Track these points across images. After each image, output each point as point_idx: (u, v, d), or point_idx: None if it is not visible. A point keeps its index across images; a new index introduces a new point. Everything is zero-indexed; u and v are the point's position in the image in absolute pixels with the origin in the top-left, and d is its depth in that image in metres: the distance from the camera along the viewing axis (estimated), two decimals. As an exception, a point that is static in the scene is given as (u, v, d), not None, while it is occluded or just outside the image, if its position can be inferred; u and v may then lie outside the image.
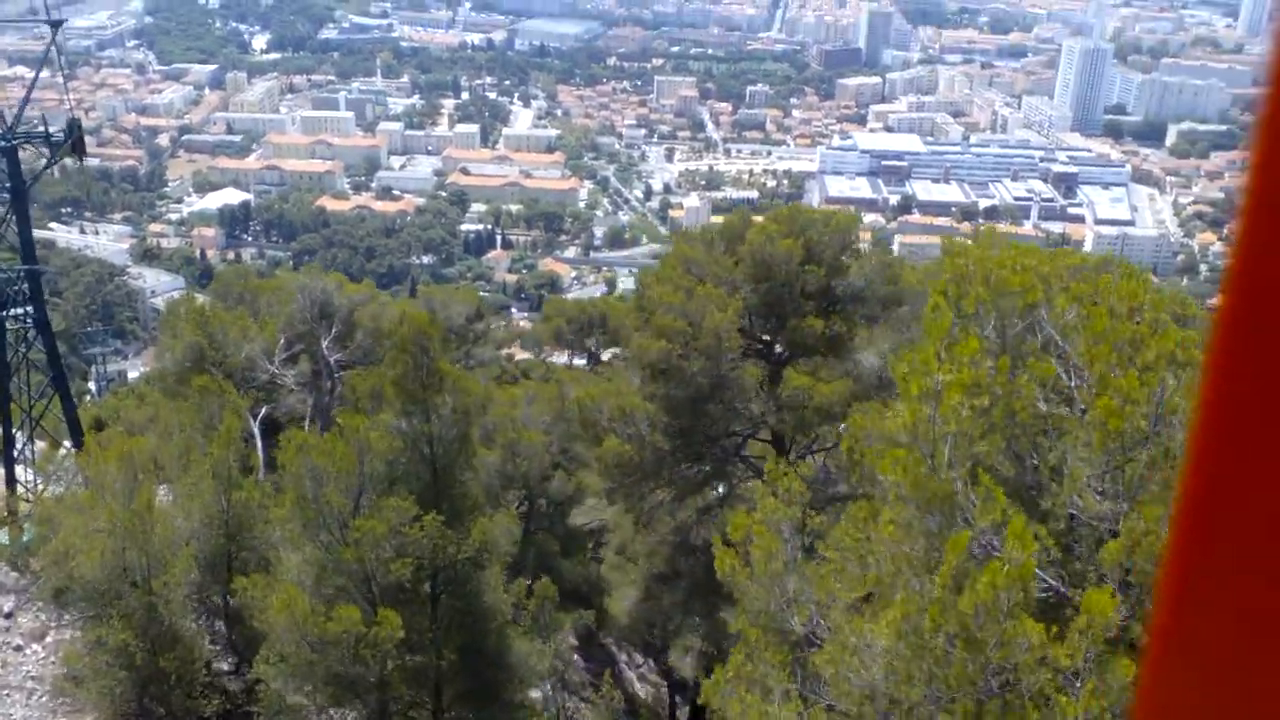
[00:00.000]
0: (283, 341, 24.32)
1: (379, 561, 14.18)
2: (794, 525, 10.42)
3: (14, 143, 26.10)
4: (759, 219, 21.02)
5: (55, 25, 27.70)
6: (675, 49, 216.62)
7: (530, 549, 21.33)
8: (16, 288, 26.07)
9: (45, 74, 30.60)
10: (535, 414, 24.26)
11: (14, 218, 25.99)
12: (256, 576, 15.30)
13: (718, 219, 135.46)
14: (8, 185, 26.03)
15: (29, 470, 27.10)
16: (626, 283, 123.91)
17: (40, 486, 25.48)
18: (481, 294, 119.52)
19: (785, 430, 18.87)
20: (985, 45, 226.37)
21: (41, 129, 27.03)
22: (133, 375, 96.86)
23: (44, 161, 27.80)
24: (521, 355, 43.31)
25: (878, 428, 16.96)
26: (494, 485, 20.36)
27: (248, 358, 23.43)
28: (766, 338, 19.59)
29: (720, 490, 20.56)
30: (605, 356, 36.61)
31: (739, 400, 18.52)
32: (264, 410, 22.92)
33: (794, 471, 11.29)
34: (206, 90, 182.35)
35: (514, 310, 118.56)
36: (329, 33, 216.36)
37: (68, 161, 30.80)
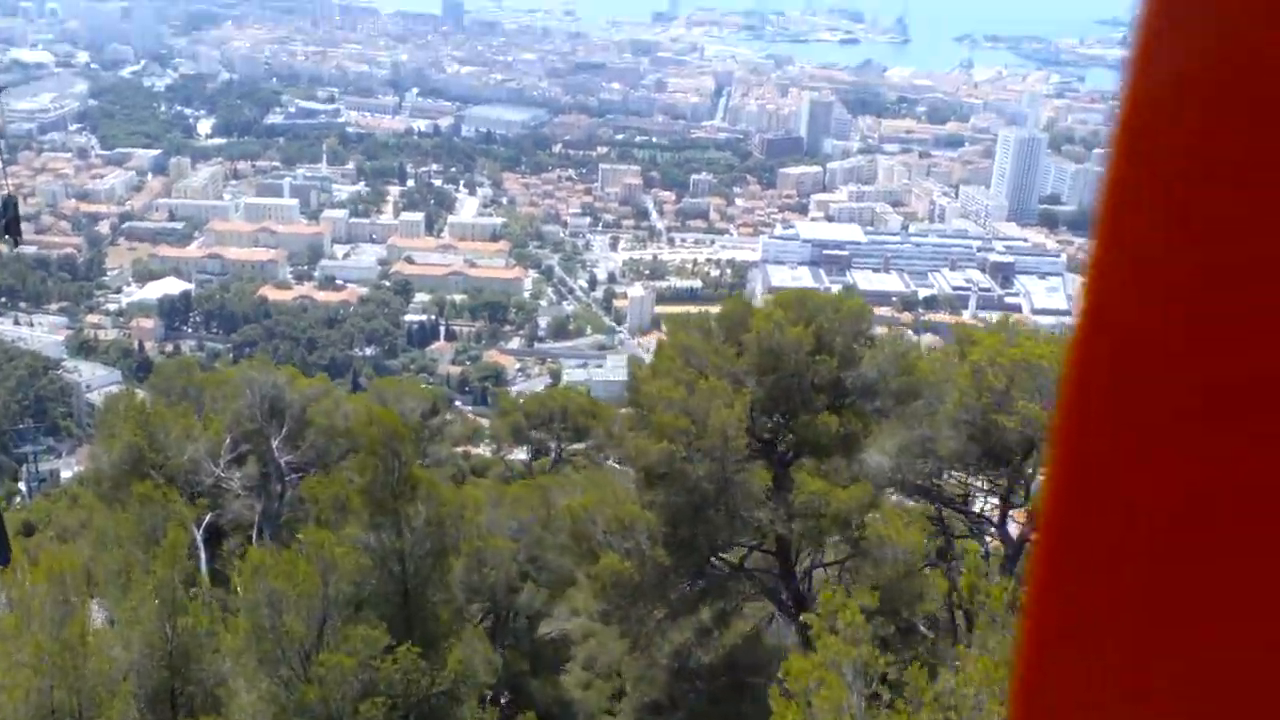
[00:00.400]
0: (228, 441, 22.84)
1: (345, 700, 12.79)
2: (857, 667, 9.30)
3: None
4: (761, 304, 20.19)
5: None
6: (620, 136, 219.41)
7: (498, 668, 19.75)
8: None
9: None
10: (501, 518, 22.84)
11: None
12: (206, 718, 13.80)
13: (662, 309, 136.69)
14: None
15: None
16: (572, 374, 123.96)
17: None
18: (423, 386, 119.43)
19: (794, 540, 17.53)
20: (923, 135, 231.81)
21: None
22: (66, 474, 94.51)
23: None
24: (476, 451, 42.45)
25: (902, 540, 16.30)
26: (459, 598, 18.73)
27: (191, 459, 22.01)
28: (769, 435, 18.20)
29: (722, 608, 18.92)
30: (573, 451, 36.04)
31: (744, 507, 16.82)
32: (208, 517, 21.43)
33: (853, 602, 10.22)
34: (149, 175, 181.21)
35: (458, 403, 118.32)
36: (275, 117, 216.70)
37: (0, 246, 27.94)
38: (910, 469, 17.99)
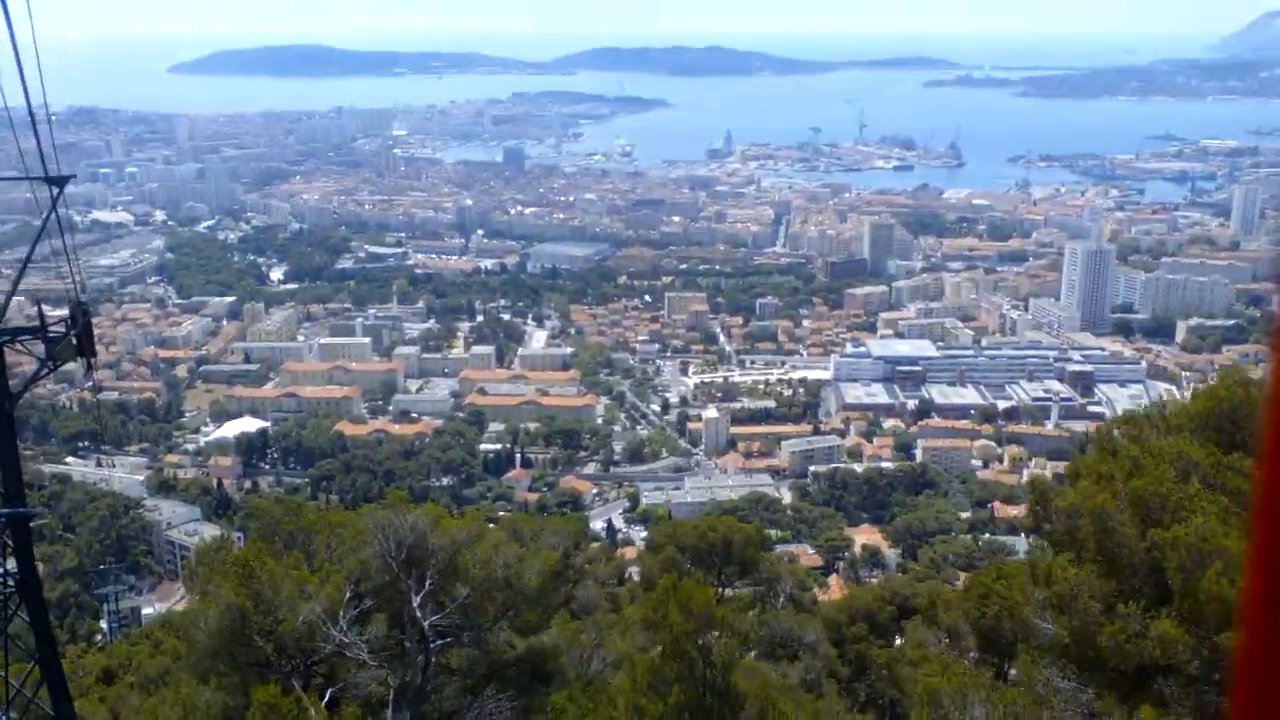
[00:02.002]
0: (349, 595, 18.87)
1: None
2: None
3: (-2, 341, 17.93)
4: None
5: (58, 183, 19.13)
6: (684, 266, 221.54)
7: None
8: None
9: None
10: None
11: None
12: None
13: (737, 430, 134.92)
14: None
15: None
16: (650, 497, 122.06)
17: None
18: (501, 513, 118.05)
19: None
20: (986, 251, 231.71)
21: (35, 321, 19.19)
22: (147, 611, 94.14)
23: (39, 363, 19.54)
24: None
25: None
26: None
27: (306, 621, 18.20)
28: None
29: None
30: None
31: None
32: (329, 693, 18.30)
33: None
34: (224, 321, 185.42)
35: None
36: (345, 262, 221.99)
37: (76, 368, 21.48)
38: None
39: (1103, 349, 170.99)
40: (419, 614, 18.29)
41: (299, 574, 19.00)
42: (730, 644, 10.88)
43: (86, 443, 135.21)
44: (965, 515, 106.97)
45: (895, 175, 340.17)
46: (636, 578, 37.47)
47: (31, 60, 16.45)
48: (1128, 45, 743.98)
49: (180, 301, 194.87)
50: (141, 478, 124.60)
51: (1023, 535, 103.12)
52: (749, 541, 29.97)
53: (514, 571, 18.74)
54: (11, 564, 17.89)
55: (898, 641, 29.13)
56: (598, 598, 29.75)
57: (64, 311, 19.64)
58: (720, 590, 29.24)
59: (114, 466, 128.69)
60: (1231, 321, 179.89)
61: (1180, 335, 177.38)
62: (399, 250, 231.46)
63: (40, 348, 19.34)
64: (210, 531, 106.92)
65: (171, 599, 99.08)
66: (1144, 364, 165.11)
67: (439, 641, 18.52)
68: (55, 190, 18.65)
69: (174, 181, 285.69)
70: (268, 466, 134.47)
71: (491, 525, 29.54)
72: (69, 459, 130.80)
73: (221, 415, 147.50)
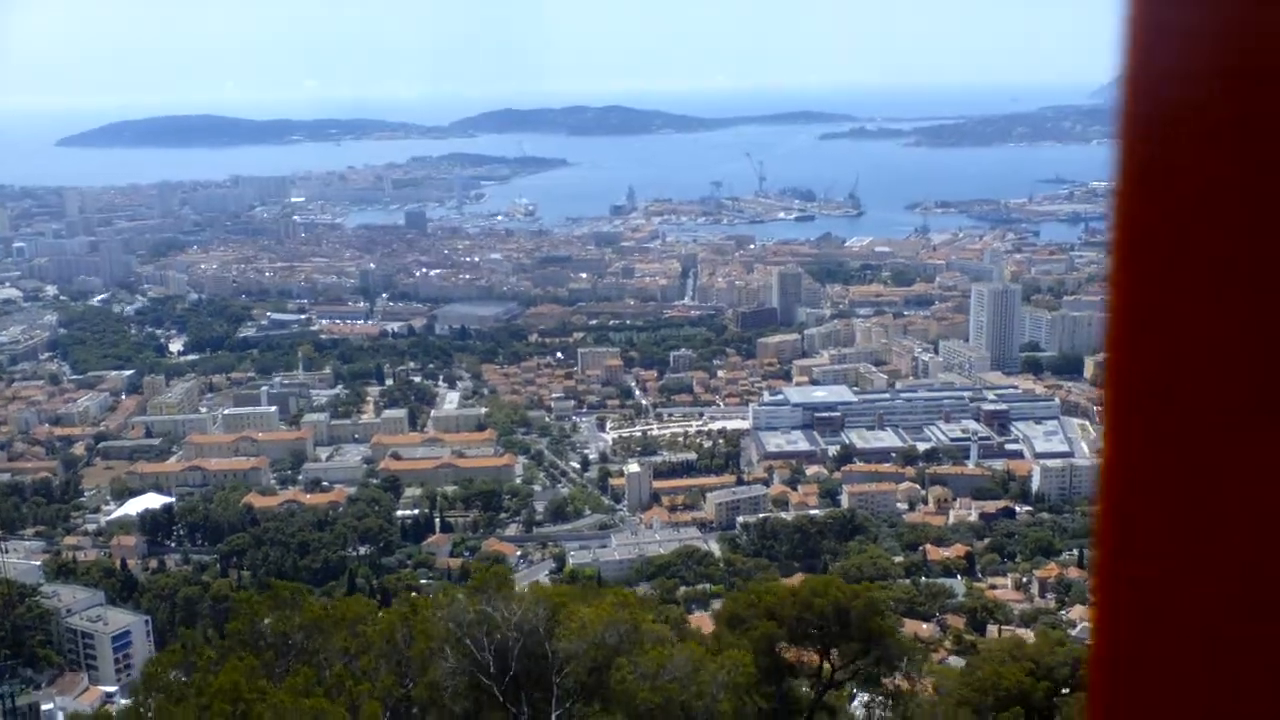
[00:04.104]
0: None
1: None
2: None
3: None
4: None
5: None
6: (594, 322, 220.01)
7: None
8: None
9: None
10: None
11: None
12: None
13: (660, 484, 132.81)
14: None
15: None
16: (577, 556, 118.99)
17: None
18: (424, 580, 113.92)
19: None
20: (892, 297, 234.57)
21: None
22: (47, 707, 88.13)
23: None
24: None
25: None
26: None
27: None
28: None
29: None
30: None
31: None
32: None
33: None
34: (123, 396, 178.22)
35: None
36: (247, 331, 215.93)
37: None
38: None
39: (1016, 387, 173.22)
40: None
41: (315, 704, 13.08)
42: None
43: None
44: (898, 559, 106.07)
45: (798, 226, 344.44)
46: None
47: None
48: (1013, 94, 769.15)
49: (75, 377, 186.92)
50: (38, 562, 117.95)
51: (958, 576, 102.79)
52: (873, 609, 24.05)
53: (695, 690, 11.65)
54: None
55: None
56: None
57: None
58: (832, 672, 24.13)
59: (6, 552, 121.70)
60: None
61: (1089, 370, 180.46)
62: (302, 316, 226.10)
63: None
64: (116, 616, 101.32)
65: (74, 691, 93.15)
66: (1057, 400, 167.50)
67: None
68: None
69: (65, 255, 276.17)
70: (174, 544, 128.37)
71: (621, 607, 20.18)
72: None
73: (123, 493, 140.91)
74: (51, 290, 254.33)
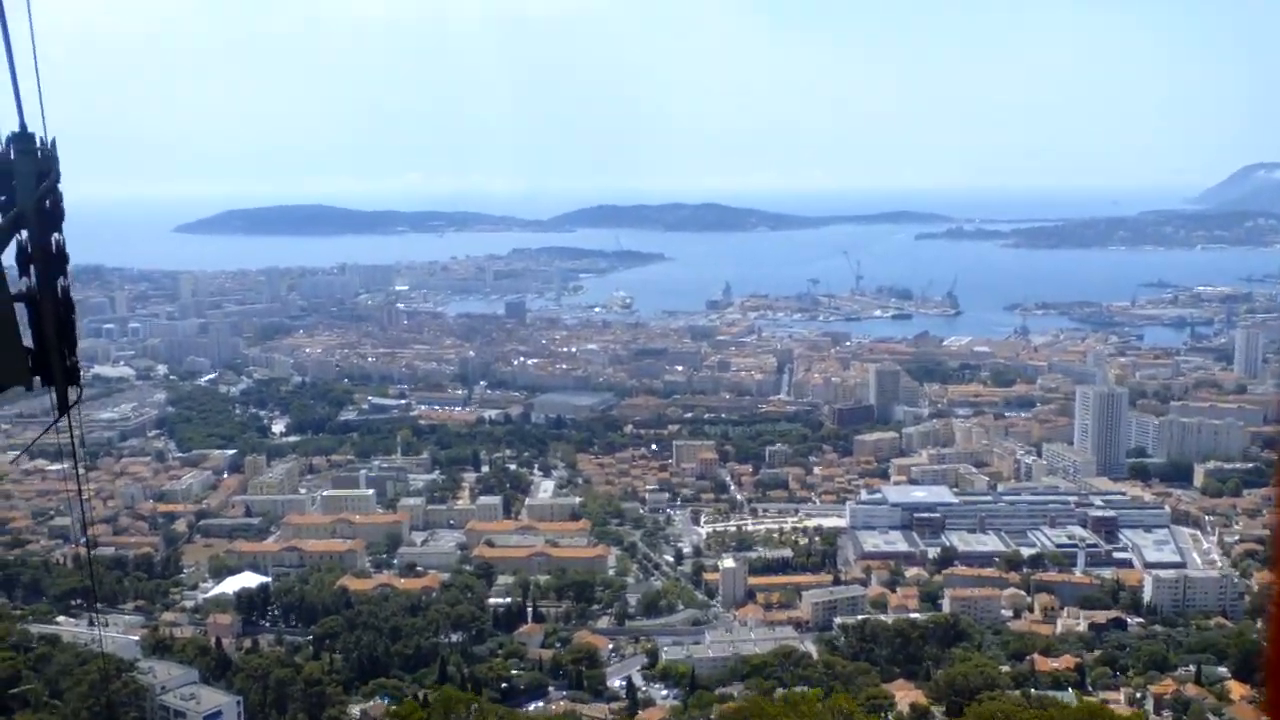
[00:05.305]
0: None
1: None
2: None
3: None
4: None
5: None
6: (689, 415, 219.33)
7: None
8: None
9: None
10: None
11: None
12: None
13: (755, 580, 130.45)
14: None
15: None
16: (670, 652, 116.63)
17: None
18: (514, 671, 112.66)
19: None
20: (991, 397, 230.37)
21: None
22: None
23: None
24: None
25: None
26: None
27: None
28: None
29: None
30: None
31: None
32: None
33: None
34: (225, 474, 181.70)
35: (551, 689, 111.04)
36: (348, 414, 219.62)
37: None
38: None
39: (1123, 494, 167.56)
40: None
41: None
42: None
43: (78, 600, 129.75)
44: (1005, 669, 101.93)
45: (894, 324, 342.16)
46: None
47: None
48: (1113, 197, 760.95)
49: (180, 455, 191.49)
50: (136, 637, 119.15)
51: (1069, 689, 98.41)
52: None
53: None
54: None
55: None
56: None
57: None
58: None
59: (106, 625, 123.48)
60: (1249, 464, 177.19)
61: (1199, 479, 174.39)
62: (402, 402, 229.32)
63: None
64: (209, 695, 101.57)
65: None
66: (1167, 508, 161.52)
67: None
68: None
69: (176, 336, 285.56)
70: (268, 624, 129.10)
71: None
72: (60, 618, 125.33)
73: (221, 570, 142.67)
74: (162, 369, 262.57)
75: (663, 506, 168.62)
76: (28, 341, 8.44)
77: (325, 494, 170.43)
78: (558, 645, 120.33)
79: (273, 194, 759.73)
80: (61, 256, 8.67)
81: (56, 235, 8.61)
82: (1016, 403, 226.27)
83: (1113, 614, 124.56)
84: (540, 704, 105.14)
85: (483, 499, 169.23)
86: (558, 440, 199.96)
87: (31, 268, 8.40)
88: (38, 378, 8.55)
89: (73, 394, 8.96)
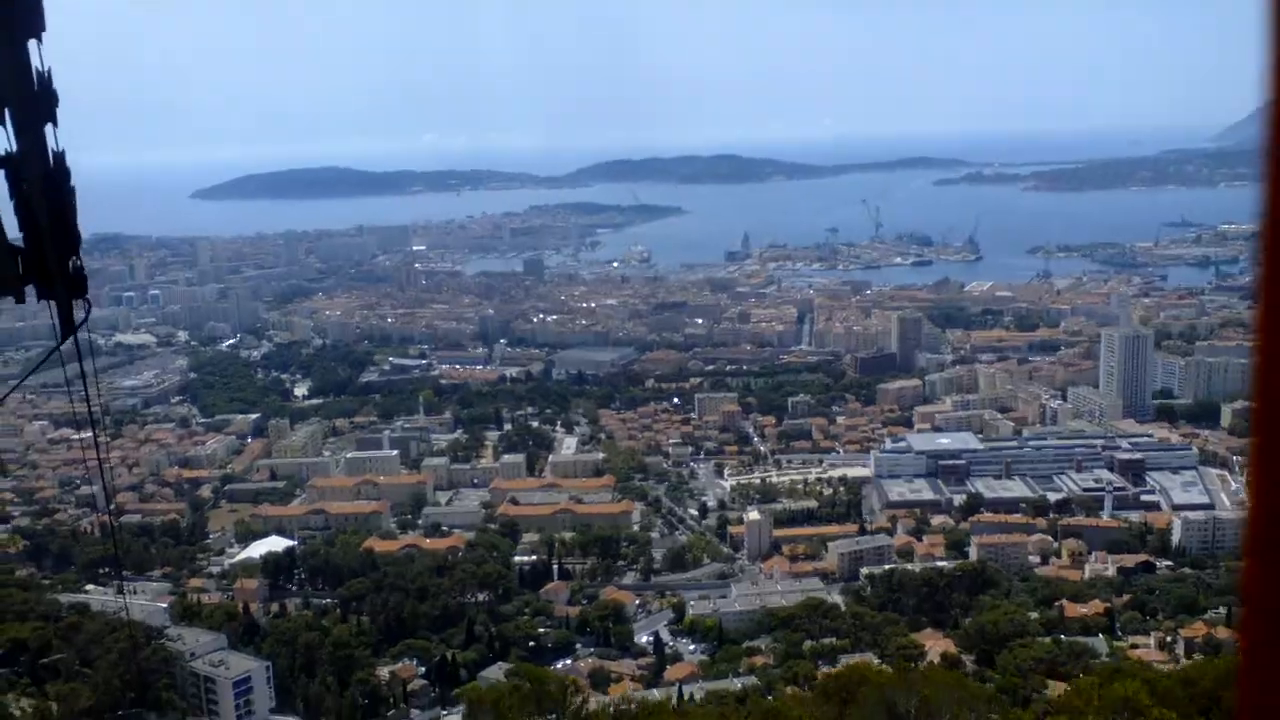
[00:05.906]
0: None
1: None
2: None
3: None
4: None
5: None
6: (710, 367, 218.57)
7: None
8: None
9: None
10: None
11: None
12: None
13: (780, 533, 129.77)
14: None
15: None
16: (696, 607, 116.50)
17: None
18: (541, 630, 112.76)
19: None
20: (1015, 342, 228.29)
21: None
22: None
23: None
24: None
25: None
26: None
27: None
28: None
29: None
30: None
31: None
32: None
33: None
34: (249, 439, 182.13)
35: (579, 646, 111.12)
36: (369, 375, 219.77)
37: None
38: None
39: (1150, 436, 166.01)
40: None
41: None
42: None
43: (106, 569, 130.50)
44: (1034, 615, 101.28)
45: (915, 271, 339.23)
46: None
47: None
48: (1133, 137, 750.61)
49: (204, 420, 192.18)
50: (165, 604, 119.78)
51: (1099, 635, 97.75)
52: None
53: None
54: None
55: None
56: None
57: None
58: None
59: (134, 593, 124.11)
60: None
61: (1226, 419, 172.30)
62: (423, 362, 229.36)
63: None
64: (238, 661, 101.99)
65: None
66: (1194, 449, 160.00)
67: None
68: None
69: (196, 302, 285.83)
70: (295, 588, 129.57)
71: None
72: (89, 587, 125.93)
73: (247, 535, 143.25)
74: (183, 336, 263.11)
75: (686, 460, 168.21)
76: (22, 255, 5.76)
77: (349, 456, 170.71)
78: (584, 602, 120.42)
79: (288, 157, 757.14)
80: (49, 95, 5.28)
81: (39, 65, 5.11)
82: (1040, 347, 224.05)
83: (1141, 558, 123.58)
84: (568, 661, 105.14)
85: (506, 457, 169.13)
86: (579, 396, 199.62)
87: (7, 113, 5.20)
88: (30, 286, 5.71)
89: (79, 310, 6.27)
